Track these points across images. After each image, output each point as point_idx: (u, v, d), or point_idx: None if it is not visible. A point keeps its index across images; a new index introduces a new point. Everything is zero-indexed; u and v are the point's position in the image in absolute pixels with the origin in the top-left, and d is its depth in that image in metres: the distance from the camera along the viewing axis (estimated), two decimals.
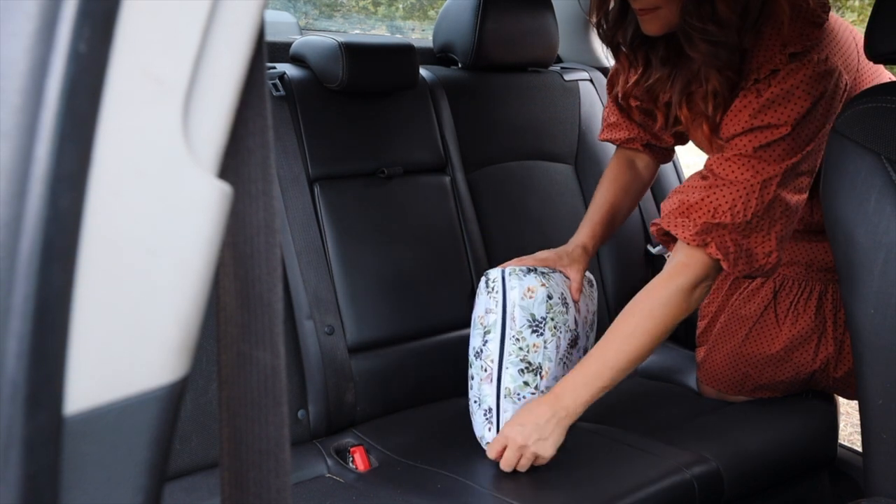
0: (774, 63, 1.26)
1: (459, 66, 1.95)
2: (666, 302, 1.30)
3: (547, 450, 1.29)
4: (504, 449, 1.31)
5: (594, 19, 1.43)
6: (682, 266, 1.30)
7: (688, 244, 1.29)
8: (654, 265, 2.02)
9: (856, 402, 1.15)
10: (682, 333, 1.94)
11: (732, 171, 1.27)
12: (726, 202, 1.26)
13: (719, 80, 1.29)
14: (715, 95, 1.30)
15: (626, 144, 1.61)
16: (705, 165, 1.32)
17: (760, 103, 1.25)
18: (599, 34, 1.45)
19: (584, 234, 1.54)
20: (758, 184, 1.25)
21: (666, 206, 1.33)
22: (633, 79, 1.47)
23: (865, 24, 1.09)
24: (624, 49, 1.44)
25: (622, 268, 1.96)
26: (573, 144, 2.00)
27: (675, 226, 1.29)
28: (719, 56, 1.26)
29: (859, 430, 1.13)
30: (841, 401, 1.72)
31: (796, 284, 1.55)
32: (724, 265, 1.28)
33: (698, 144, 1.54)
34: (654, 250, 1.98)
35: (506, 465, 1.30)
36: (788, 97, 1.25)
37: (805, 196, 1.31)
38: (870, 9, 1.07)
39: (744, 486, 1.42)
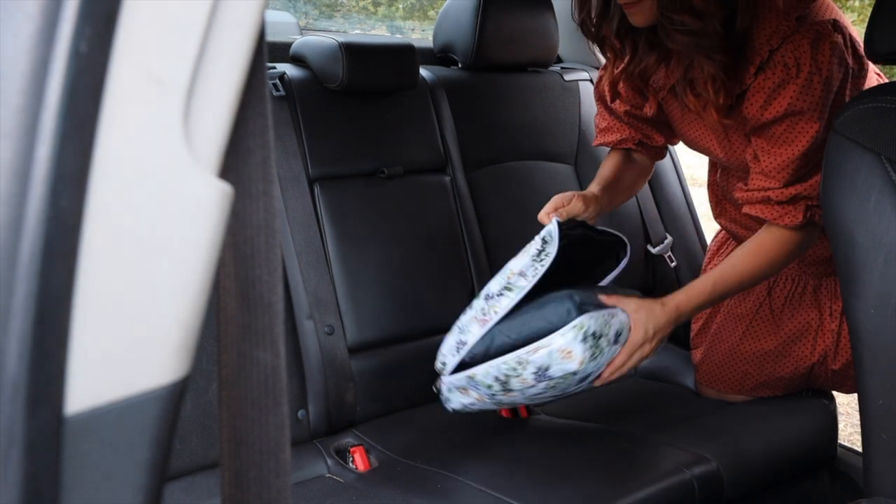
0: (783, 31, 1.28)
1: (459, 66, 1.95)
2: (779, 252, 1.39)
3: (655, 350, 1.37)
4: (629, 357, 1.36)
5: (578, 18, 1.45)
6: (791, 232, 1.39)
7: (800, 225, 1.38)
8: (654, 265, 2.02)
9: (856, 401, 1.15)
10: (681, 334, 1.94)
11: (803, 171, 1.33)
12: (816, 180, 1.31)
13: (712, 64, 1.30)
14: (714, 80, 1.32)
15: (619, 145, 1.62)
16: (765, 163, 1.35)
17: (800, 84, 1.27)
18: (584, 31, 1.47)
19: (598, 191, 1.53)
20: (819, 160, 1.29)
21: (755, 209, 1.39)
22: (620, 67, 1.49)
23: (865, 24, 1.09)
24: (609, 41, 1.46)
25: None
26: (573, 144, 2.00)
27: (781, 219, 1.36)
28: (700, 45, 1.28)
29: (859, 430, 1.13)
30: (841, 400, 1.72)
31: (790, 280, 1.56)
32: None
33: (693, 140, 1.54)
34: (654, 250, 1.98)
35: (629, 367, 1.35)
36: (825, 78, 1.27)
37: None
38: (870, 9, 1.07)
39: (744, 486, 1.42)
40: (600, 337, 1.29)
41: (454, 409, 1.38)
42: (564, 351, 1.27)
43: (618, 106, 1.59)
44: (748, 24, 1.29)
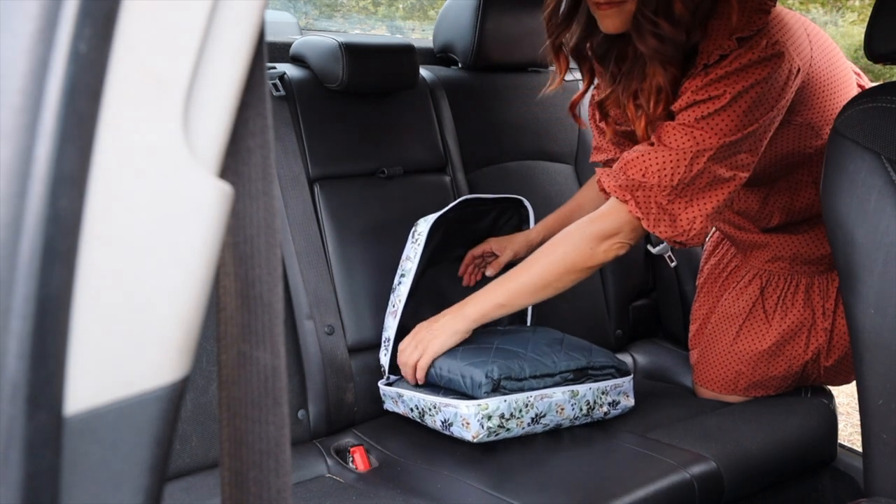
0: (723, 49, 1.29)
1: (459, 66, 1.95)
2: (575, 244, 1.37)
3: (434, 345, 1.41)
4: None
5: (550, 41, 1.48)
6: (603, 214, 1.37)
7: (612, 195, 1.34)
8: (654, 265, 2.02)
9: (856, 401, 1.15)
10: (681, 335, 1.94)
11: (673, 139, 1.31)
12: (657, 164, 1.30)
13: (664, 75, 1.32)
14: (658, 91, 1.33)
15: (607, 164, 1.65)
16: (654, 133, 1.36)
17: (706, 81, 1.29)
18: (549, 34, 1.48)
19: (539, 226, 1.64)
20: (690, 152, 1.29)
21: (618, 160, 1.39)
22: (606, 91, 1.50)
23: (865, 25, 1.09)
24: (565, 52, 1.48)
25: (622, 268, 1.96)
26: (573, 144, 2.00)
27: (607, 175, 1.35)
28: (666, 52, 1.29)
29: (859, 430, 1.13)
30: (841, 401, 1.72)
31: (782, 279, 1.56)
32: (644, 224, 1.33)
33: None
34: (654, 250, 1.98)
35: (402, 359, 1.44)
36: (732, 75, 1.28)
37: (745, 175, 1.33)
38: (870, 9, 1.07)
39: (744, 486, 1.42)
40: (511, 418, 1.36)
41: (386, 409, 1.53)
42: (464, 420, 1.35)
43: (605, 126, 1.60)
44: (698, 40, 1.30)
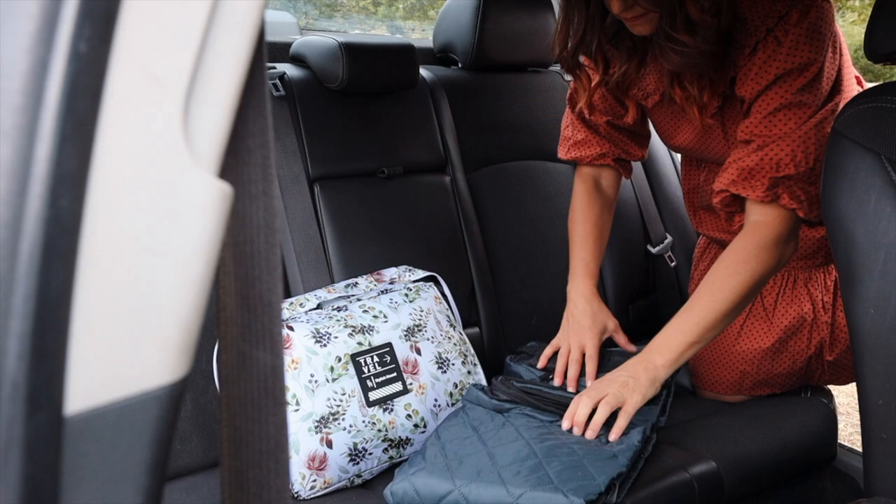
0: (778, 11, 1.26)
1: (459, 66, 1.95)
2: (747, 258, 1.29)
3: (634, 397, 1.27)
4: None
5: (557, 55, 1.43)
6: (758, 224, 1.30)
7: (760, 202, 1.29)
8: (654, 265, 2.02)
9: (856, 401, 1.15)
10: None
11: (779, 126, 1.27)
12: (786, 155, 1.26)
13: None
14: (700, 78, 1.32)
15: (596, 161, 1.60)
16: (744, 131, 1.31)
17: (787, 48, 1.25)
18: (562, 63, 1.45)
19: (582, 280, 1.53)
20: (812, 128, 1.25)
21: (724, 176, 1.32)
22: (595, 80, 1.47)
23: (865, 24, 1.09)
24: (585, 59, 1.44)
25: (622, 268, 1.96)
26: None
27: (743, 188, 1.29)
28: (694, 65, 1.27)
29: (859, 430, 1.13)
30: (841, 401, 1.72)
31: (780, 275, 1.56)
32: (800, 213, 1.28)
33: (683, 144, 1.53)
34: (654, 250, 1.98)
35: (576, 420, 1.28)
36: (811, 35, 1.25)
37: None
38: (870, 9, 1.07)
39: (744, 486, 1.42)
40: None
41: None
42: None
43: (597, 118, 1.57)
44: (732, 15, 1.28)
